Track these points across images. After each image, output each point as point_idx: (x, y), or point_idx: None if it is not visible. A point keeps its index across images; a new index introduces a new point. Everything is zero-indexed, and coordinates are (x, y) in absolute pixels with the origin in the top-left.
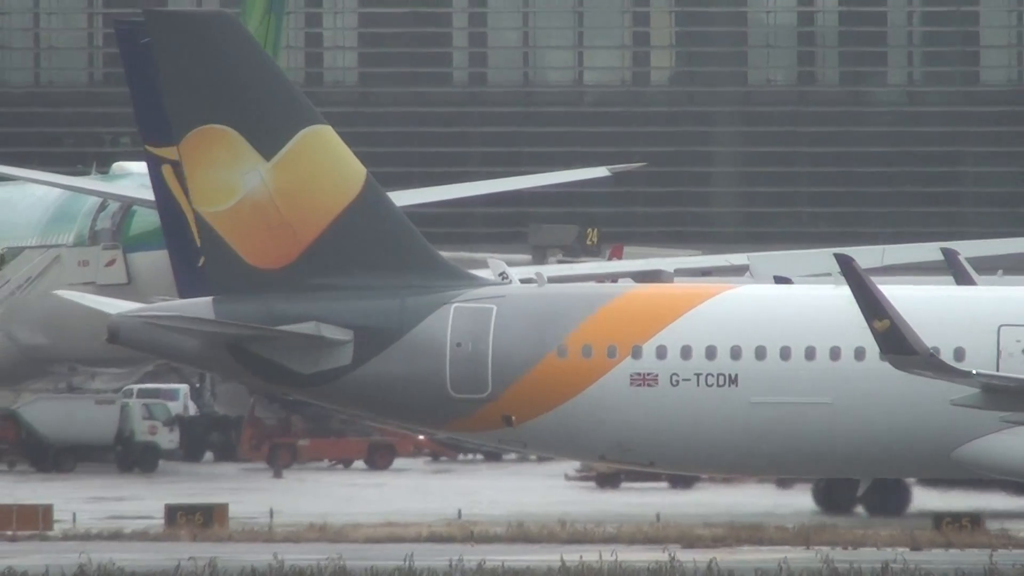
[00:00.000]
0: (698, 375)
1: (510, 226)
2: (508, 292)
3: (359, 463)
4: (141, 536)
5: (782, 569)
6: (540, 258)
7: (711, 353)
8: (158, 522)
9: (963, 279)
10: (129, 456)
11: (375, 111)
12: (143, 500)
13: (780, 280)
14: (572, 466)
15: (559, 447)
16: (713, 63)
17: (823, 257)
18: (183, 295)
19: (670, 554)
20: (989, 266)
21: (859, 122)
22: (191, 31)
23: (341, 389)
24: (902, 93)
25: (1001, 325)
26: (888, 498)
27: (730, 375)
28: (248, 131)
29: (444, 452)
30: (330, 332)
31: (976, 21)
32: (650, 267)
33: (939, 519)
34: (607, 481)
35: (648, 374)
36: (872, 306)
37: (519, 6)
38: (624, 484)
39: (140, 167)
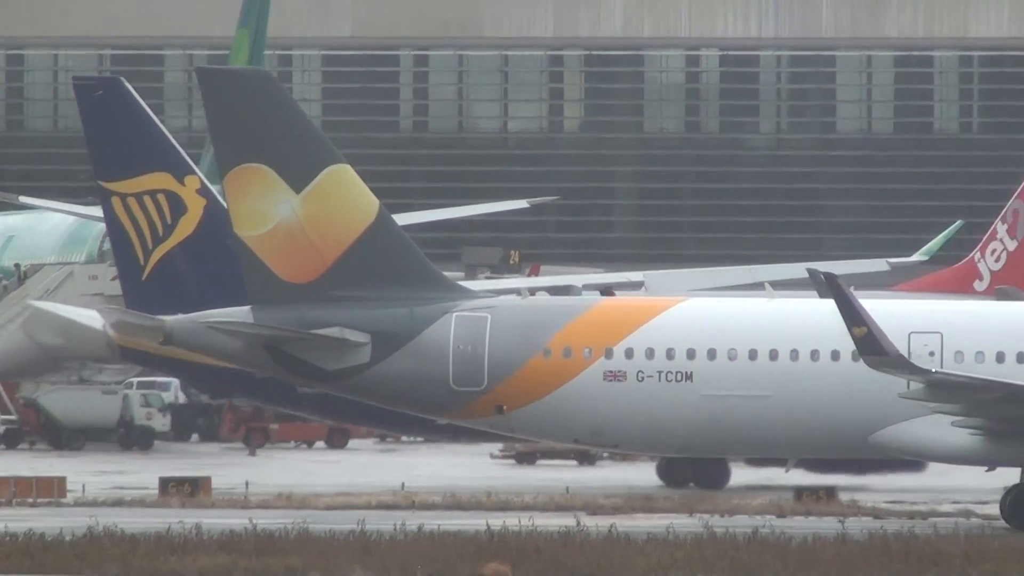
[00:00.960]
0: (659, 372)
1: (446, 248)
2: (499, 303)
3: (320, 444)
4: (139, 503)
5: (669, 532)
6: (471, 275)
7: (670, 354)
8: (153, 492)
9: (824, 295)
10: (129, 437)
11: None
12: (140, 474)
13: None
14: (496, 447)
15: (541, 432)
16: (615, 114)
17: (706, 275)
18: (129, 306)
19: (577, 520)
20: (843, 283)
21: (735, 163)
22: (235, 85)
23: (361, 383)
24: (772, 139)
25: (911, 332)
26: (712, 475)
27: (686, 372)
28: (281, 169)
29: (390, 434)
30: (351, 335)
31: (833, 80)
32: (562, 282)
33: (800, 491)
34: (525, 459)
35: (618, 371)
36: (852, 315)
37: (455, 66)
38: (539, 461)
39: None
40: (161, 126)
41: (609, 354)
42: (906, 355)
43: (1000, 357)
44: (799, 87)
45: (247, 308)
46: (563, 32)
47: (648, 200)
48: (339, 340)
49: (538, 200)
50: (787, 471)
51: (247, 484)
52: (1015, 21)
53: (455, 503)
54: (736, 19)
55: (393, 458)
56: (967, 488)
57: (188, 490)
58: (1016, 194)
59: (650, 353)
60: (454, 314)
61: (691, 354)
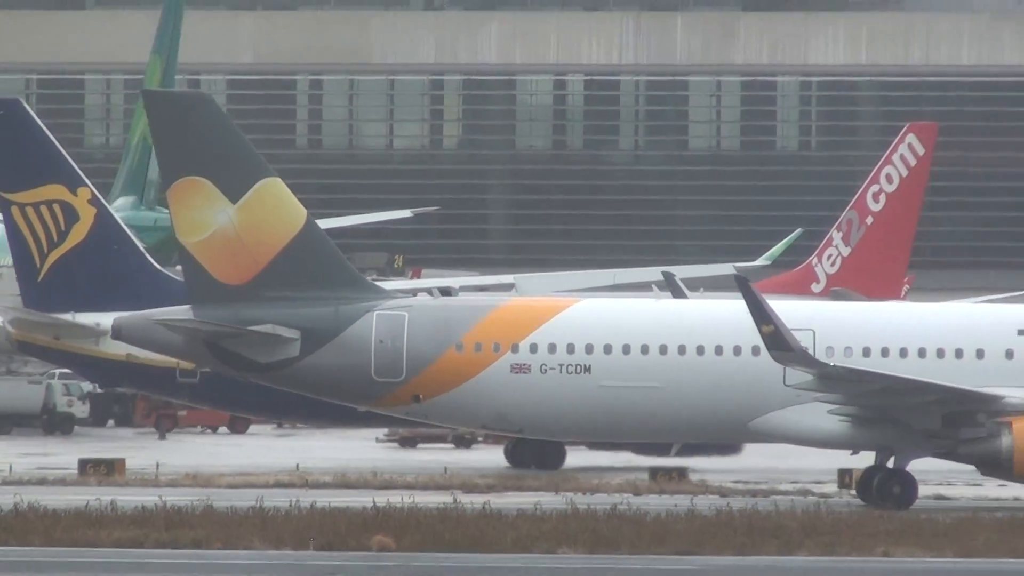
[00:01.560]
0: (561, 365)
1: None
2: (416, 303)
3: (223, 429)
4: (60, 482)
5: (537, 508)
6: None
7: (570, 349)
8: (73, 472)
9: (678, 295)
10: (52, 423)
11: None
12: (62, 456)
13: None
14: (382, 431)
15: (453, 419)
16: (489, 133)
17: (571, 277)
18: (27, 305)
19: (454, 497)
20: (695, 285)
21: (598, 177)
22: (177, 106)
23: (290, 375)
24: (630, 156)
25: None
26: (550, 458)
27: (585, 365)
28: (219, 181)
29: (287, 420)
30: (282, 332)
31: (686, 102)
32: (442, 284)
33: (654, 472)
34: (408, 443)
35: (523, 364)
36: (761, 314)
37: (346, 90)
38: (420, 445)
39: None
40: (56, 143)
41: (515, 349)
42: (810, 348)
43: (866, 352)
44: (655, 108)
45: (187, 307)
46: (443, 59)
47: (519, 210)
48: (271, 336)
49: (420, 210)
50: (672, 455)
51: (157, 465)
52: (849, 50)
53: (344, 482)
54: (599, 47)
55: (289, 442)
56: (804, 470)
57: (104, 470)
58: (849, 205)
59: (552, 348)
60: (375, 312)
61: (589, 349)
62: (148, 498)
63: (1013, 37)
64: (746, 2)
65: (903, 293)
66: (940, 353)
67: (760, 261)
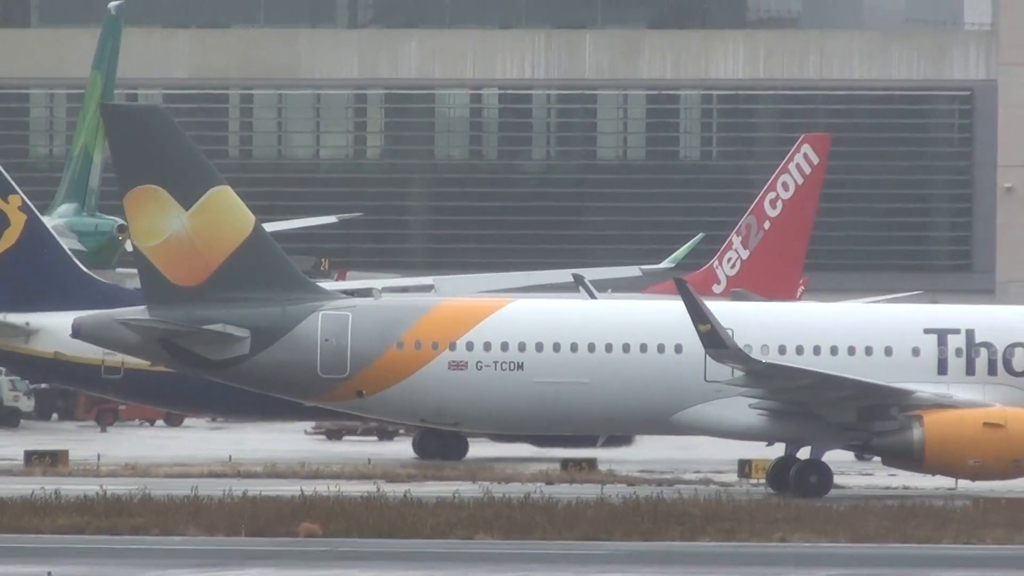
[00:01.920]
0: (495, 362)
1: None
2: (359, 303)
3: (160, 422)
4: (6, 472)
5: (455, 496)
6: None
7: (504, 347)
8: (19, 463)
9: (589, 296)
10: None
11: None
12: (8, 447)
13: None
14: (309, 425)
15: (394, 413)
16: (410, 143)
17: (487, 279)
18: None
19: (377, 486)
20: (603, 287)
21: (512, 185)
22: (133, 119)
23: (241, 372)
24: (543, 165)
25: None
26: (453, 449)
27: (518, 362)
28: (172, 189)
29: (204, 414)
30: (233, 331)
31: (594, 115)
32: (366, 286)
33: (566, 462)
34: (333, 435)
35: (461, 362)
36: (699, 314)
37: (275, 103)
38: (346, 437)
39: None
40: None
41: (453, 347)
42: (701, 348)
43: (782, 350)
44: (565, 120)
45: (143, 308)
46: (366, 74)
47: (438, 216)
48: (223, 334)
49: (345, 216)
50: (598, 446)
51: (99, 456)
52: (748, 66)
53: (274, 472)
54: (513, 63)
55: (222, 434)
56: (706, 460)
57: (49, 461)
58: (748, 211)
59: (487, 346)
60: (320, 312)
61: (522, 347)
62: (90, 487)
63: (901, 54)
64: (650, 20)
65: (799, 294)
66: (851, 350)
67: (664, 264)
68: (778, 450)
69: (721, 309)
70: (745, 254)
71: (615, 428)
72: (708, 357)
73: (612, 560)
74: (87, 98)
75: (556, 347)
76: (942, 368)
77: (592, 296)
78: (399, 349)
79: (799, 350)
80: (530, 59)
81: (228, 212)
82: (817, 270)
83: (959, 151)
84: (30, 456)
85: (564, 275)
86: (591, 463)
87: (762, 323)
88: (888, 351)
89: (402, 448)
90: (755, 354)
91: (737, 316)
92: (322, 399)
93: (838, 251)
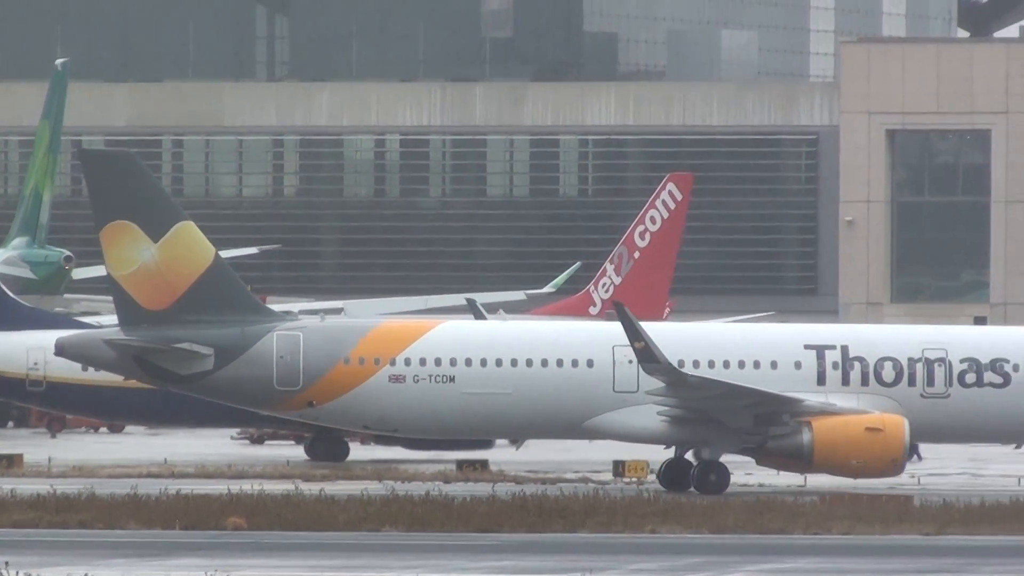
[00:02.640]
0: (430, 376)
1: None
2: (309, 324)
3: (104, 429)
4: None
5: (363, 494)
6: None
7: (438, 362)
8: None
9: (479, 317)
10: None
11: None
12: None
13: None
14: (234, 431)
15: (341, 421)
16: (322, 183)
17: (391, 303)
18: None
19: (295, 485)
20: (493, 309)
21: (412, 220)
22: (107, 162)
23: (206, 385)
24: (439, 202)
25: (614, 345)
26: (335, 452)
27: (450, 376)
28: (143, 224)
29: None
30: (199, 348)
31: (484, 157)
32: (285, 308)
33: (461, 463)
34: (256, 440)
35: (400, 375)
36: (634, 333)
37: (203, 148)
38: (267, 442)
39: None
40: None
41: (393, 362)
42: (612, 363)
43: (696, 364)
44: (458, 163)
45: (118, 329)
46: (283, 122)
47: (347, 247)
48: (190, 352)
49: (265, 247)
50: (517, 449)
51: (50, 460)
52: (619, 114)
53: (204, 472)
54: (412, 112)
55: (158, 440)
56: (585, 461)
57: (5, 464)
58: (620, 242)
59: (423, 361)
60: (275, 332)
61: (453, 362)
62: (42, 487)
63: (755, 102)
64: (533, 74)
65: (665, 315)
66: (741, 364)
67: (547, 289)
68: (658, 452)
69: (646, 329)
70: (618, 280)
71: (534, 434)
72: (616, 370)
73: (502, 550)
74: (37, 144)
75: (483, 362)
76: (821, 379)
77: (482, 318)
78: (345, 364)
79: (695, 364)
80: (427, 109)
81: (192, 244)
82: (682, 293)
83: (806, 188)
84: None
85: (459, 299)
86: (484, 464)
87: (679, 340)
88: (774, 364)
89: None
90: (623, 369)
91: (658, 336)
92: (277, 409)
93: (700, 277)
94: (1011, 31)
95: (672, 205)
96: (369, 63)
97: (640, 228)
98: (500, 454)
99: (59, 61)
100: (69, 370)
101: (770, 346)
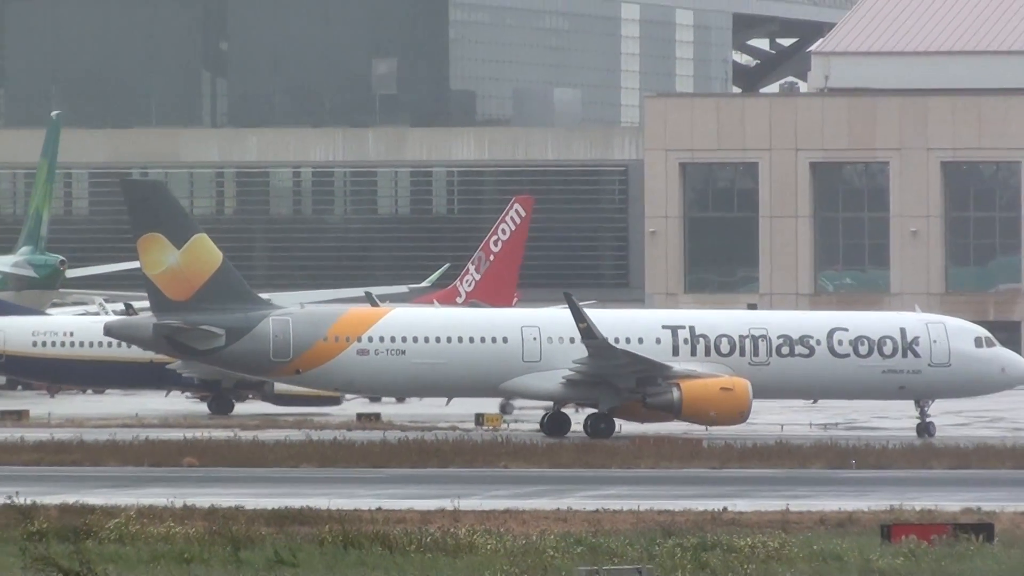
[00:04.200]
0: (387, 350)
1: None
2: (295, 311)
3: (90, 392)
4: None
5: (286, 439)
6: None
7: (393, 339)
8: None
9: (374, 304)
10: None
11: None
12: None
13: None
14: (188, 392)
15: (321, 385)
16: (254, 205)
17: (306, 295)
18: None
19: (235, 433)
20: (384, 299)
21: (323, 232)
22: (142, 190)
23: (219, 358)
24: (343, 218)
25: (522, 326)
26: (222, 405)
27: (402, 350)
28: (169, 235)
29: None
30: (214, 329)
31: (376, 185)
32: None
33: (359, 415)
34: (204, 399)
35: (365, 349)
36: (579, 316)
37: (162, 179)
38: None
39: None
40: None
41: (360, 339)
42: (521, 340)
43: (573, 340)
44: (357, 189)
45: (151, 315)
46: (225, 159)
47: (274, 253)
48: (207, 332)
49: None
50: (447, 404)
51: (49, 414)
52: (477, 151)
53: (166, 423)
54: (321, 150)
55: (131, 399)
56: (454, 414)
57: (15, 417)
58: (479, 248)
59: (382, 339)
60: (270, 318)
61: (404, 339)
62: (44, 435)
63: (579, 143)
64: (412, 121)
65: (514, 303)
66: (616, 340)
67: (424, 284)
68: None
69: (532, 313)
70: (478, 277)
71: (465, 393)
72: (523, 345)
73: (391, 481)
74: (38, 177)
75: (426, 339)
76: (675, 351)
77: (376, 305)
78: (324, 341)
79: (615, 341)
80: (332, 148)
81: (205, 251)
82: (526, 287)
83: (619, 207)
84: (2, 414)
85: (359, 291)
86: (377, 416)
87: (561, 322)
88: (640, 340)
89: (254, 408)
90: (554, 345)
91: (543, 318)
92: (271, 376)
93: (540, 274)
94: (772, 88)
95: (518, 220)
96: (288, 114)
97: (494, 238)
98: (389, 408)
99: (54, 113)
100: (22, 346)
101: (636, 326)
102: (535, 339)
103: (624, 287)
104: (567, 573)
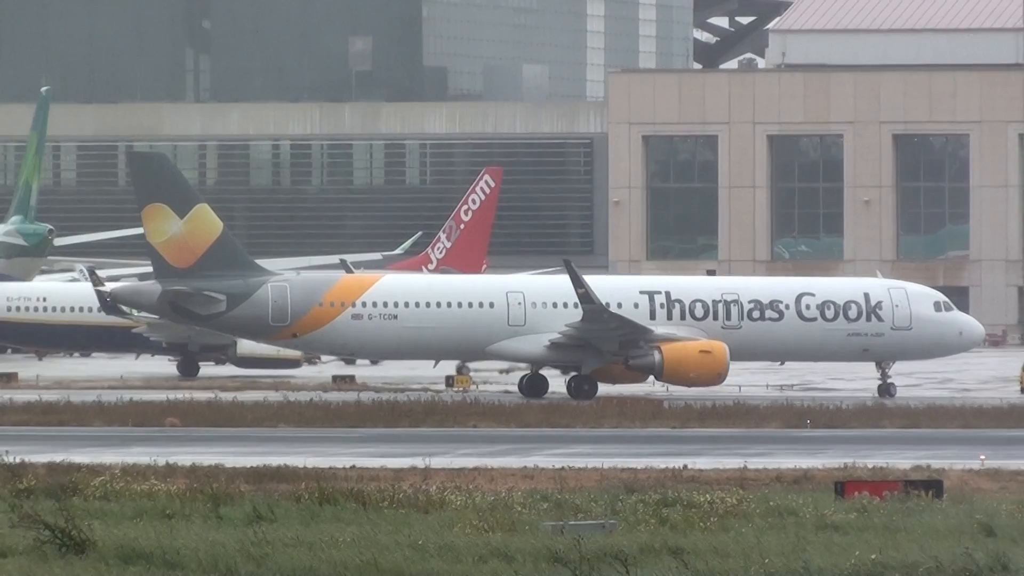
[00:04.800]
0: (380, 314)
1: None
2: (292, 277)
3: (77, 355)
4: None
5: (265, 399)
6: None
7: (385, 304)
8: None
9: (348, 271)
10: None
11: None
12: None
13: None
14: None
15: (317, 348)
16: (236, 176)
17: (290, 262)
18: None
19: (215, 394)
20: (358, 266)
21: (301, 202)
22: (148, 161)
23: (220, 323)
24: (319, 189)
25: (507, 292)
26: (190, 369)
27: (394, 314)
28: (172, 205)
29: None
30: (215, 295)
31: (351, 157)
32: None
33: (335, 378)
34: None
35: (359, 314)
36: (577, 281)
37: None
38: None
39: None
40: None
41: (354, 304)
42: (507, 305)
43: (556, 305)
44: (333, 161)
45: (155, 281)
46: (207, 132)
47: (254, 223)
48: (209, 297)
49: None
50: (434, 367)
51: (37, 376)
52: (449, 124)
53: (149, 385)
54: (299, 124)
55: (117, 362)
56: (425, 376)
57: (5, 380)
58: (450, 217)
59: (375, 304)
60: (268, 284)
61: (396, 304)
62: (32, 396)
63: (546, 117)
64: (387, 96)
65: (483, 270)
66: (608, 305)
67: (397, 251)
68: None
69: (515, 280)
70: (449, 244)
71: (453, 356)
72: (509, 310)
73: (365, 440)
74: (28, 149)
75: (417, 304)
76: (652, 316)
77: (350, 271)
78: (320, 307)
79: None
80: (310, 122)
81: (206, 220)
82: (495, 254)
83: (584, 178)
84: None
85: (334, 259)
86: (352, 378)
87: (543, 288)
88: (620, 305)
89: (233, 370)
90: (539, 310)
91: (527, 284)
92: (270, 339)
93: (509, 242)
94: (732, 64)
95: (487, 191)
96: (267, 89)
97: (464, 207)
98: (364, 371)
99: (43, 88)
100: None
101: (617, 291)
102: (519, 304)
103: (589, 254)
104: (533, 528)
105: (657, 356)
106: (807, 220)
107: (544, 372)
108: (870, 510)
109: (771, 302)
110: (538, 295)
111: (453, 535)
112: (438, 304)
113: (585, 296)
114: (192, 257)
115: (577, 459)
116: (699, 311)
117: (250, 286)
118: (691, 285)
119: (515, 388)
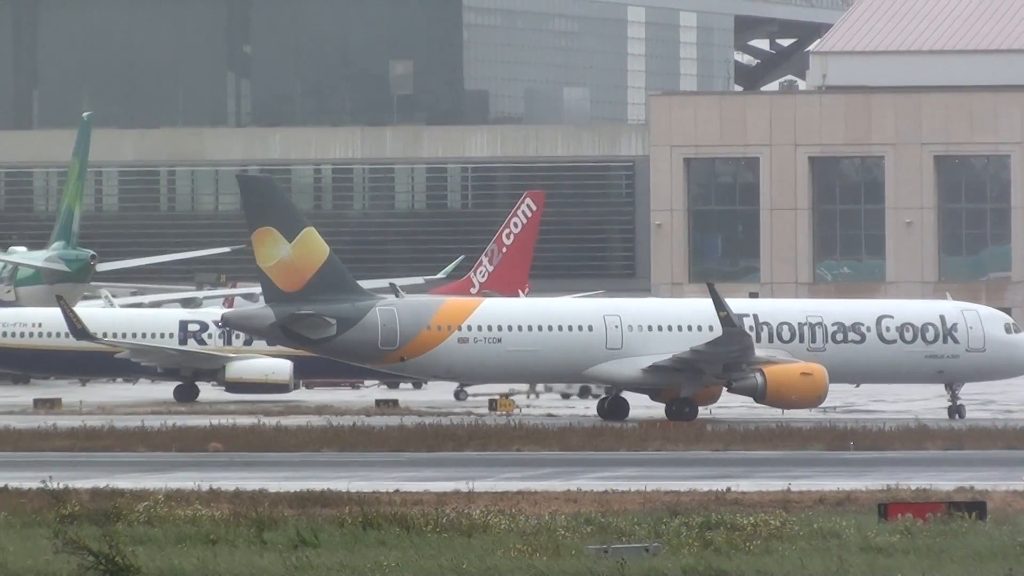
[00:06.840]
0: (485, 338)
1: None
2: (399, 301)
3: (120, 380)
4: (21, 413)
5: (308, 424)
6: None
7: (488, 328)
8: (29, 407)
9: (398, 295)
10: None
11: None
12: (21, 397)
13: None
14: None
15: (424, 372)
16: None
17: None
18: None
19: (258, 419)
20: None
21: (342, 227)
22: (256, 185)
23: (332, 346)
24: (362, 212)
25: (605, 315)
26: (190, 394)
27: (498, 338)
28: (281, 229)
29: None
30: (328, 319)
31: (393, 181)
32: (248, 291)
33: (378, 401)
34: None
35: (465, 338)
36: (719, 304)
37: (188, 176)
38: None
39: (23, 249)
40: None
41: (460, 328)
42: (604, 328)
43: (651, 328)
44: (375, 185)
45: (265, 306)
46: (249, 156)
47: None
48: (320, 320)
49: (235, 246)
50: (531, 393)
51: (81, 402)
52: (490, 148)
53: (192, 411)
54: (340, 148)
55: (156, 387)
56: (469, 399)
57: (49, 405)
58: (492, 241)
59: (480, 328)
60: (377, 308)
61: (499, 328)
62: (76, 422)
63: (589, 139)
64: (428, 119)
65: (525, 294)
66: (688, 328)
67: (440, 275)
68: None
69: (611, 303)
70: (491, 268)
71: (553, 379)
72: (607, 333)
73: (408, 464)
74: (70, 175)
75: (519, 328)
76: None
77: (400, 296)
78: (428, 330)
79: (679, 328)
80: (351, 146)
81: (314, 244)
82: (537, 278)
83: (626, 201)
84: (36, 402)
85: (383, 283)
86: (395, 402)
87: (640, 311)
88: (711, 328)
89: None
90: (635, 333)
91: (624, 307)
92: (379, 363)
93: (551, 265)
94: (773, 86)
95: (529, 214)
96: (308, 113)
97: (506, 231)
98: (407, 395)
99: (85, 114)
100: None
101: (705, 315)
102: (617, 327)
103: (631, 277)
104: (577, 551)
105: (760, 378)
106: (849, 242)
107: (626, 395)
108: (913, 532)
109: (853, 324)
110: (634, 319)
111: (497, 559)
112: (539, 327)
113: (727, 319)
114: (301, 281)
115: (621, 482)
116: (786, 334)
117: (359, 310)
118: (777, 308)
119: (557, 411)
